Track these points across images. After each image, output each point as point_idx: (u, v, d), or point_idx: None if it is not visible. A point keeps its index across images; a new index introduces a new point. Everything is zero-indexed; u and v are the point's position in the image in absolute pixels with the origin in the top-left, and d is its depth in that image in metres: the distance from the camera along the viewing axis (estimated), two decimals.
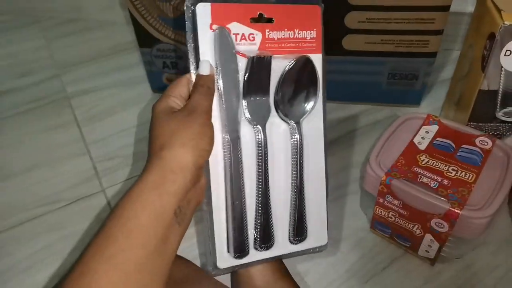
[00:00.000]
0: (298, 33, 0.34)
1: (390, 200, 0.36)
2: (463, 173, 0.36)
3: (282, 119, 0.34)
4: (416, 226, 0.36)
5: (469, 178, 0.35)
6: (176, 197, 0.26)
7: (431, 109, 0.57)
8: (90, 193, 0.48)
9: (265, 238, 0.33)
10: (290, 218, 0.35)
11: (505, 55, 0.37)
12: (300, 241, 0.35)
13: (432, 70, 0.54)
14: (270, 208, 0.34)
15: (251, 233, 0.33)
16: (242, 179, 0.32)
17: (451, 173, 0.36)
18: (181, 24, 0.53)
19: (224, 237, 0.33)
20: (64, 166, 0.52)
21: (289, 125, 0.34)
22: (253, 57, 0.32)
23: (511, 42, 0.36)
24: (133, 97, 0.61)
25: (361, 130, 0.54)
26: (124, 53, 0.70)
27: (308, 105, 0.34)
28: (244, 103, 0.32)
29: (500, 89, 0.39)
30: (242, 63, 0.32)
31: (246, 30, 0.32)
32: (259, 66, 0.32)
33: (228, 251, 0.33)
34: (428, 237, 0.36)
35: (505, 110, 0.40)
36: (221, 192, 0.32)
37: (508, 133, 0.42)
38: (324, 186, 0.36)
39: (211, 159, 0.31)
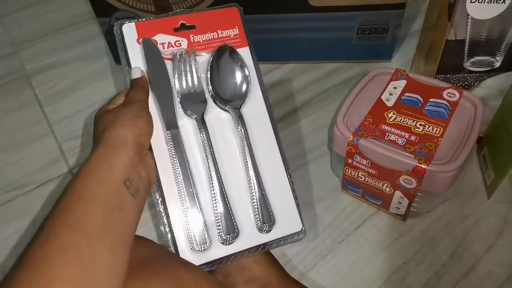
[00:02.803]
0: (222, 33, 0.37)
1: (359, 160, 0.36)
2: (431, 127, 0.35)
3: (222, 109, 0.36)
4: (386, 184, 0.36)
5: (436, 132, 0.35)
6: (123, 167, 0.28)
7: (403, 62, 0.56)
8: (57, 175, 0.47)
9: (228, 228, 0.33)
10: (252, 205, 0.34)
11: (471, 2, 0.35)
12: (269, 227, 0.34)
13: (403, 21, 0.52)
14: (227, 197, 0.33)
15: (214, 228, 0.33)
16: (190, 170, 0.33)
17: (419, 128, 0.36)
18: None
19: (184, 235, 0.33)
20: (29, 148, 0.50)
21: (230, 113, 0.36)
22: (176, 53, 0.35)
23: None
24: (96, 71, 0.59)
25: (333, 89, 0.53)
26: (84, 25, 0.66)
27: (242, 90, 0.36)
28: (178, 98, 0.35)
29: (467, 38, 0.38)
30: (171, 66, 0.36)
31: (171, 38, 0.36)
32: (184, 61, 0.35)
33: (192, 248, 0.32)
34: (398, 194, 0.36)
35: (473, 59, 0.39)
36: (174, 188, 0.33)
37: (476, 84, 0.41)
38: (281, 167, 0.36)
39: (158, 158, 0.33)
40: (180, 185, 0.33)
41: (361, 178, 0.38)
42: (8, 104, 0.55)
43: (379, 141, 0.35)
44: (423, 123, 0.36)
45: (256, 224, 0.34)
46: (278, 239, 0.34)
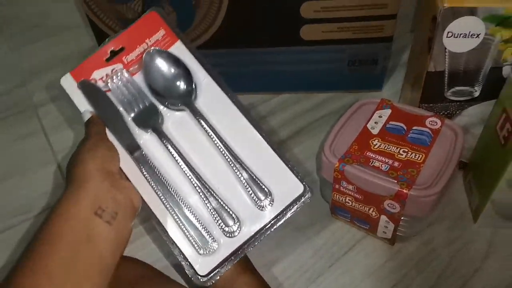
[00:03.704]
0: (150, 41, 0.38)
1: (345, 185, 0.38)
2: (413, 154, 0.37)
3: (177, 110, 0.36)
4: (372, 209, 0.38)
5: (419, 159, 0.37)
6: (91, 199, 0.29)
7: (393, 91, 0.58)
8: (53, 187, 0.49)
9: (227, 220, 0.33)
10: (244, 189, 0.34)
11: (447, 37, 0.38)
12: (269, 202, 0.33)
13: (393, 53, 0.55)
14: (214, 191, 0.34)
15: (215, 227, 0.33)
16: (167, 182, 0.34)
17: (402, 155, 0.37)
18: None
19: (188, 245, 0.33)
20: (34, 175, 0.52)
21: (186, 110, 0.36)
22: (109, 81, 0.37)
23: (451, 24, 0.37)
24: None
25: (325, 118, 0.55)
26: None
27: (186, 83, 0.36)
28: (130, 120, 0.36)
29: (446, 70, 0.40)
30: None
31: (107, 69, 0.37)
32: (123, 83, 0.37)
33: (201, 253, 0.33)
34: (384, 218, 0.38)
35: (453, 90, 0.41)
36: (160, 204, 0.34)
37: (457, 112, 0.43)
38: (260, 140, 0.35)
39: (134, 183, 0.34)
40: (165, 199, 0.34)
41: (349, 203, 0.39)
42: (15, 133, 0.58)
43: (364, 167, 0.37)
44: (406, 150, 0.38)
45: (256, 205, 0.34)
46: (283, 210, 0.33)
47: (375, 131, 0.40)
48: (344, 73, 0.56)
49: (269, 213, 0.34)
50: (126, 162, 0.34)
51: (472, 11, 0.36)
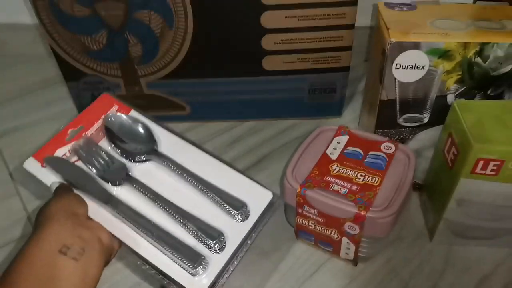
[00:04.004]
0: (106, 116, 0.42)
1: (308, 209, 0.39)
2: (370, 177, 0.39)
3: (144, 161, 0.40)
4: (333, 231, 0.39)
5: (375, 182, 0.39)
6: (54, 238, 0.30)
7: (352, 117, 0.61)
8: (21, 235, 0.47)
9: (211, 234, 0.35)
10: (219, 205, 0.37)
11: (396, 68, 0.41)
12: (245, 212, 0.37)
13: (349, 82, 0.58)
14: (191, 215, 0.36)
15: (201, 246, 0.35)
16: (144, 219, 0.36)
17: (359, 178, 0.39)
18: (106, 56, 0.54)
19: (178, 270, 0.34)
20: None
21: (152, 161, 0.40)
22: (76, 148, 0.40)
23: (399, 56, 0.41)
24: None
25: (289, 144, 0.57)
26: (53, 87, 0.69)
27: (150, 139, 0.41)
28: (99, 179, 0.38)
29: (397, 99, 0.43)
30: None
31: (69, 146, 0.40)
32: (86, 149, 0.40)
33: (193, 274, 0.34)
34: (345, 240, 0.39)
35: (404, 116, 0.44)
36: (143, 242, 0.35)
37: (410, 137, 0.46)
38: (219, 164, 0.40)
39: (114, 231, 0.35)
40: (146, 236, 0.35)
41: (312, 226, 0.41)
42: None
43: (324, 191, 0.38)
44: (363, 174, 0.40)
45: (236, 218, 0.37)
46: (260, 216, 0.37)
47: (334, 157, 0.42)
48: (305, 101, 0.59)
49: (249, 221, 0.37)
50: (101, 215, 0.36)
51: (416, 45, 0.40)
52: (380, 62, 0.43)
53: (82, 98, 0.59)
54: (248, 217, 0.37)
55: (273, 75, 0.56)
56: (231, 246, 0.35)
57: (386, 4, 0.46)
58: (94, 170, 0.39)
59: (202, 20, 0.50)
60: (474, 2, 0.64)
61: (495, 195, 0.38)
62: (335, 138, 0.44)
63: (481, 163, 0.36)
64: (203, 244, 0.35)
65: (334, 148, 0.43)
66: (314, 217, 0.39)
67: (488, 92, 0.42)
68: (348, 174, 0.40)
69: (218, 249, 0.35)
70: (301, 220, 0.41)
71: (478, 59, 0.40)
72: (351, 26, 0.52)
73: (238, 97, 0.58)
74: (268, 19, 0.50)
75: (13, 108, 0.66)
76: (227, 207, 0.37)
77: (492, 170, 0.36)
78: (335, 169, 0.41)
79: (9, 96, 0.68)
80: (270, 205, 0.38)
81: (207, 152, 0.41)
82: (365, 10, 0.66)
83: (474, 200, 0.39)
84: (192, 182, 0.38)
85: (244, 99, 0.59)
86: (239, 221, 0.37)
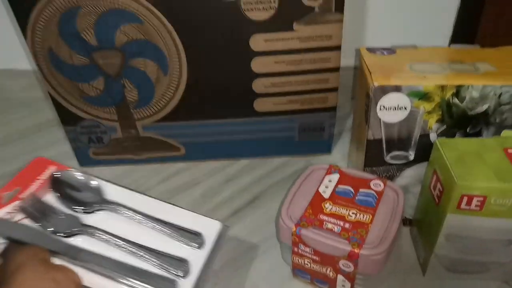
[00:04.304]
0: (42, 177, 0.45)
1: (303, 248, 0.40)
2: (361, 215, 0.41)
3: (95, 212, 0.43)
4: (329, 269, 0.40)
5: (366, 219, 0.40)
6: (28, 285, 0.30)
7: (341, 154, 0.63)
8: None
9: (176, 263, 0.39)
10: (174, 238, 0.41)
11: (380, 110, 0.44)
12: (200, 242, 0.41)
13: (339, 120, 0.61)
14: (153, 249, 0.40)
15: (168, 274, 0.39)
16: (107, 260, 0.39)
17: (352, 216, 0.41)
18: (102, 101, 0.56)
19: None
20: None
21: (103, 210, 0.43)
22: (20, 206, 0.41)
23: (382, 98, 0.43)
24: None
25: (282, 182, 0.59)
26: (50, 130, 0.71)
27: (98, 190, 0.44)
28: (54, 236, 0.40)
29: (383, 138, 0.46)
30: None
31: (6, 208, 0.41)
32: (30, 208, 0.41)
33: None
34: (340, 277, 0.40)
35: (391, 154, 0.47)
36: (111, 284, 0.38)
37: (397, 174, 0.48)
38: (170, 207, 0.45)
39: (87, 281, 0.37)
40: (114, 275, 0.37)
41: (307, 265, 0.41)
42: None
43: (318, 230, 0.40)
44: (355, 212, 0.41)
45: (192, 247, 0.41)
46: (215, 244, 0.42)
47: (326, 195, 0.44)
48: (295, 139, 0.61)
49: (205, 250, 0.42)
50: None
51: (398, 88, 0.43)
52: (365, 104, 0.46)
53: (79, 142, 0.60)
54: (204, 244, 0.42)
55: (264, 116, 0.58)
56: (195, 270, 0.39)
57: (368, 49, 0.49)
58: (48, 226, 0.40)
59: (195, 66, 0.53)
60: (449, 45, 0.69)
61: (482, 230, 0.40)
62: (326, 176, 0.46)
63: (465, 199, 0.38)
64: (169, 273, 0.38)
65: (326, 187, 0.44)
66: (310, 256, 0.40)
67: (468, 130, 0.45)
68: (341, 212, 0.41)
69: (183, 275, 0.38)
70: (297, 258, 0.42)
71: (456, 100, 0.43)
72: (336, 69, 0.55)
73: (231, 137, 0.60)
74: (258, 65, 0.53)
75: (10, 152, 0.66)
76: (183, 238, 0.41)
77: (476, 206, 0.38)
78: (328, 207, 0.42)
79: (7, 140, 0.69)
80: (221, 236, 0.43)
81: (150, 196, 0.45)
82: (349, 52, 0.70)
83: (462, 234, 0.41)
84: (145, 223, 0.42)
85: (237, 139, 0.61)
86: (196, 247, 0.41)
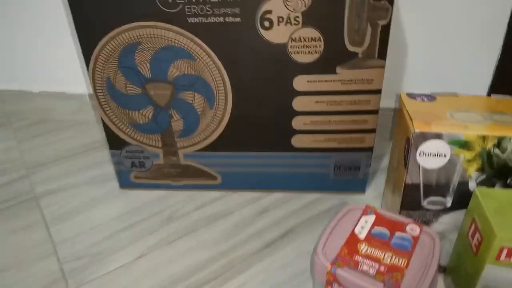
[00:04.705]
0: None
1: (337, 287, 0.41)
2: (397, 259, 0.41)
3: None
4: None
5: (402, 264, 0.41)
6: None
7: (375, 194, 0.64)
8: None
9: None
10: None
11: (419, 156, 0.45)
12: None
13: (374, 158, 0.62)
14: None
15: None
16: None
17: (387, 259, 0.41)
18: (150, 129, 0.59)
19: None
20: (31, 269, 0.53)
21: None
22: None
23: (422, 145, 0.44)
24: (101, 195, 0.65)
25: (315, 218, 0.60)
26: (94, 151, 0.75)
27: None
28: None
29: (421, 183, 0.46)
30: None
31: None
32: None
33: None
34: None
35: (428, 199, 0.47)
36: None
37: (434, 219, 0.48)
38: None
39: None
40: None
41: None
42: (15, 224, 0.60)
43: (354, 271, 0.40)
44: (391, 255, 0.42)
45: None
46: None
47: (362, 236, 0.44)
48: (330, 177, 0.62)
49: None
50: None
51: (438, 136, 0.43)
52: (404, 148, 0.47)
53: (122, 165, 0.63)
54: None
55: (301, 151, 0.60)
56: None
57: (408, 94, 0.51)
58: None
59: (240, 101, 0.55)
60: (488, 95, 0.69)
61: None
62: (363, 217, 0.47)
63: (505, 251, 0.38)
64: None
65: (361, 227, 0.45)
66: None
67: (508, 181, 0.45)
68: (376, 255, 0.42)
69: None
70: None
71: (497, 151, 0.43)
72: (376, 112, 0.56)
73: (267, 169, 0.62)
74: (299, 103, 0.55)
75: (56, 170, 0.70)
76: None
77: None
78: (363, 248, 0.43)
79: (53, 158, 0.73)
80: None
81: None
82: (387, 92, 0.71)
83: (499, 287, 0.40)
84: None
85: (273, 172, 0.62)
86: None
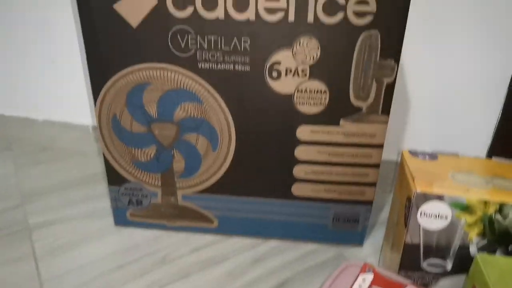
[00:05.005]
0: None
1: None
2: None
3: None
4: None
5: None
6: None
7: (373, 249, 0.62)
8: None
9: None
10: None
11: (420, 216, 0.44)
12: None
13: (373, 210, 0.61)
14: None
15: None
16: None
17: None
18: (151, 167, 0.59)
19: None
20: None
21: None
22: None
23: (424, 205, 0.44)
24: (95, 230, 0.64)
25: (311, 270, 0.58)
26: (92, 184, 0.74)
27: None
28: None
29: (421, 244, 0.46)
30: None
31: None
32: None
33: None
34: None
35: (428, 261, 0.46)
36: None
37: (433, 282, 0.47)
38: None
39: None
40: None
41: None
42: (3, 256, 0.58)
43: None
44: None
45: None
46: None
47: None
48: (328, 227, 0.62)
49: None
50: None
51: (440, 197, 0.43)
52: (405, 207, 0.47)
53: (119, 202, 0.63)
54: None
55: (300, 200, 0.59)
56: None
57: (410, 151, 0.51)
58: None
59: (243, 146, 0.56)
60: (489, 156, 0.70)
61: None
62: (360, 275, 0.45)
63: None
64: None
65: (359, 286, 0.44)
66: None
67: (510, 248, 0.44)
68: None
69: None
70: None
71: (499, 216, 0.43)
72: (377, 166, 0.57)
73: (264, 216, 0.61)
74: (301, 152, 0.56)
75: (52, 201, 0.70)
76: None
77: None
78: None
79: (50, 188, 0.73)
80: None
81: None
82: (387, 146, 0.72)
83: None
84: None
85: (271, 219, 0.61)
86: None
